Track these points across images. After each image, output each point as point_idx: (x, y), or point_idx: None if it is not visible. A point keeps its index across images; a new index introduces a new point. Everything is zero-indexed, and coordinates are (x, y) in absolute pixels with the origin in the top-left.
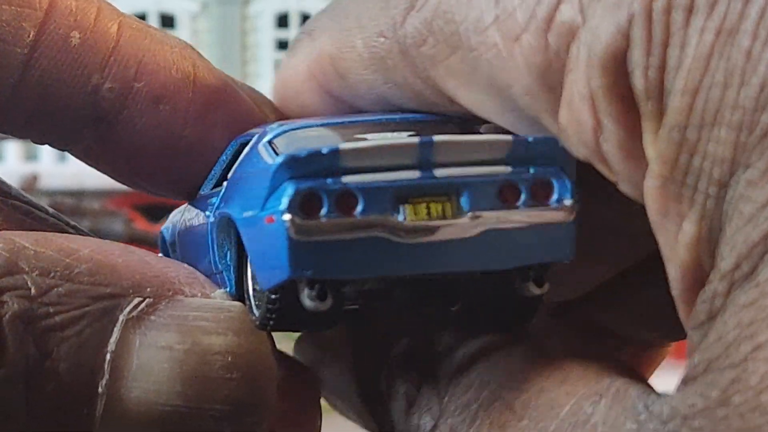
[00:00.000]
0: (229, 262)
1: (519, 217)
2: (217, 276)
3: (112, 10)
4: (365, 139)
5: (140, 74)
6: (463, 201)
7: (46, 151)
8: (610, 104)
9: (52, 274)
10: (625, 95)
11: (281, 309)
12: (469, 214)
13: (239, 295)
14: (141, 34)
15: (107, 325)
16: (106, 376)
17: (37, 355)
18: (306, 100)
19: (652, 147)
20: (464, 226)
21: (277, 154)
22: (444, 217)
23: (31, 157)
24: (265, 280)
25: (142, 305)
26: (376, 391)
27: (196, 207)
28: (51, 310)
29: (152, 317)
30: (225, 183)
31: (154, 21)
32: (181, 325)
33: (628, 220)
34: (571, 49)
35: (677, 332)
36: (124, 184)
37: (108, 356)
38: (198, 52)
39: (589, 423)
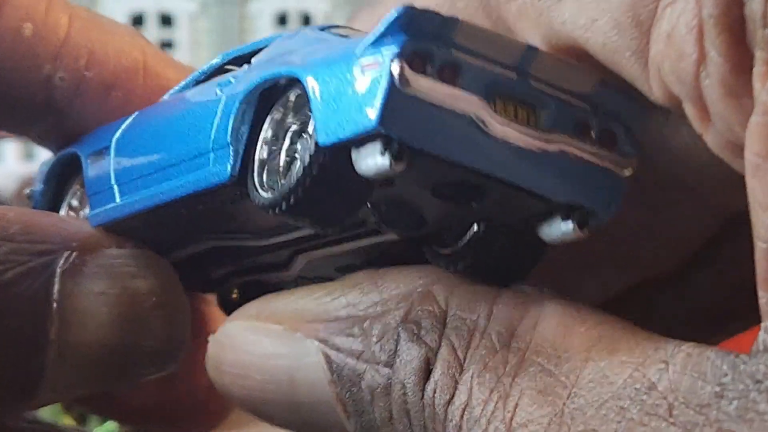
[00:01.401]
0: (240, 137)
1: (589, 151)
2: (210, 155)
3: (63, 2)
4: None
5: (90, 63)
6: (546, 117)
7: (46, 152)
8: (719, 35)
9: None
10: (735, 27)
11: (324, 172)
12: (550, 129)
13: (242, 173)
14: (91, 24)
15: (49, 278)
16: (56, 323)
17: None
18: None
19: (764, 78)
20: (544, 138)
21: (342, 36)
22: (528, 124)
23: (30, 157)
24: (330, 133)
25: (72, 258)
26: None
27: (179, 99)
28: (1, 267)
29: (84, 268)
30: (244, 67)
31: (153, 21)
32: (110, 272)
33: (658, 225)
34: None
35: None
36: None
37: (54, 305)
38: (146, 40)
39: (655, 390)
